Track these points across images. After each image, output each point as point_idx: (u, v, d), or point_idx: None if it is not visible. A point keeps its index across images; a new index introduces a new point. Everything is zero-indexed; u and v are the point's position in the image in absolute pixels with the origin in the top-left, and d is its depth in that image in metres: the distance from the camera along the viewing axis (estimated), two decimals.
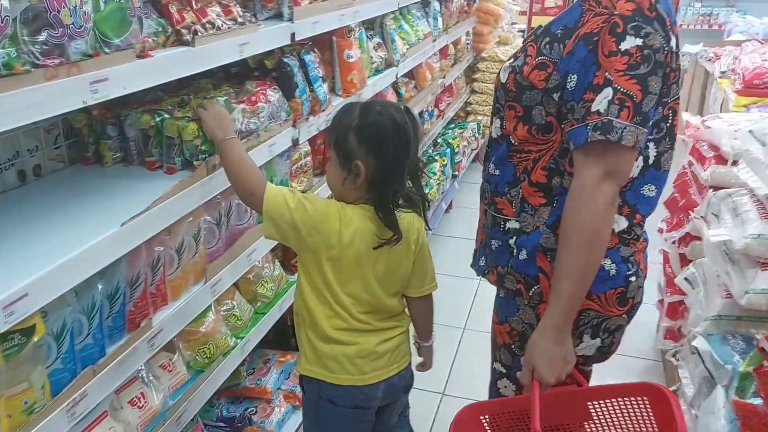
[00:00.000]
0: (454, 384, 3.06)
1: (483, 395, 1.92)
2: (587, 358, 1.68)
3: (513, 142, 1.59)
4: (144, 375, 1.77)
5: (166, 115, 1.84)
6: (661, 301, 3.12)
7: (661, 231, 3.12)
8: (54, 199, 1.67)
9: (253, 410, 2.31)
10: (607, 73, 1.39)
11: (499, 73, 1.67)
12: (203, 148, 1.79)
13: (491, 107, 1.75)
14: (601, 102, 1.39)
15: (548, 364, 1.51)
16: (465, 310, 3.63)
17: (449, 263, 3.92)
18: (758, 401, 1.77)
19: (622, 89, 1.39)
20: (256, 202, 1.67)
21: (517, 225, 1.64)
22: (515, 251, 1.64)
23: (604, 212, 1.44)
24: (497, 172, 1.66)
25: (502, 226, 1.67)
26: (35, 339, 1.29)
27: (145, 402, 1.71)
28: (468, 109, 5.47)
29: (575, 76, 1.44)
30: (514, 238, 1.64)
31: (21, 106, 1.17)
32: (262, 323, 2.22)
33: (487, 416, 1.71)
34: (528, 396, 1.59)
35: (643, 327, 3.43)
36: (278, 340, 2.66)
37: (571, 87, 1.45)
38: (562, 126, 1.50)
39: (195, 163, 1.79)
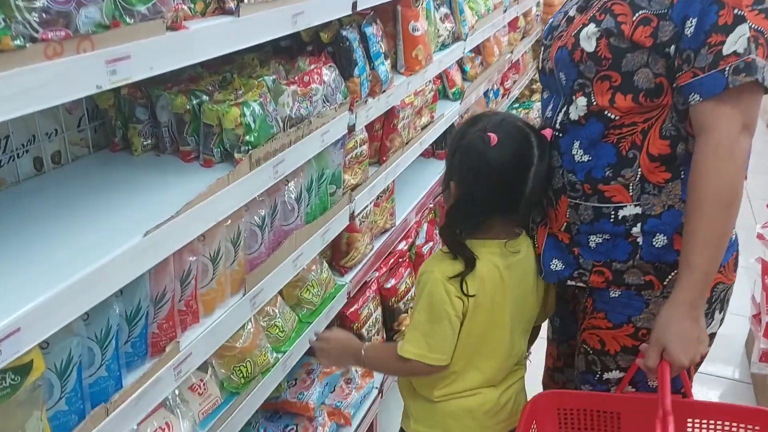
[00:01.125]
0: None
1: None
2: (712, 336, 1.55)
3: (612, 117, 1.41)
4: (170, 400, 1.52)
5: (205, 98, 1.56)
6: (756, 317, 2.75)
7: (762, 238, 2.74)
8: (72, 193, 1.43)
9: (293, 428, 2.07)
10: (736, 10, 1.26)
11: (567, 47, 1.44)
12: (246, 138, 1.52)
13: (550, 87, 1.56)
14: (737, 42, 1.25)
15: (682, 343, 1.35)
16: None
17: None
18: None
19: (754, 26, 1.26)
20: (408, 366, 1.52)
21: (637, 210, 1.45)
22: (643, 239, 1.46)
23: (742, 170, 1.34)
24: (587, 158, 1.46)
25: (612, 216, 1.47)
26: (32, 378, 1.04)
27: None
28: (533, 87, 5.08)
29: (694, 19, 1.29)
30: (638, 224, 1.45)
31: (12, 92, 0.90)
32: (306, 334, 1.96)
33: (564, 410, 1.61)
34: (620, 395, 1.55)
35: (731, 340, 3.07)
36: None
37: (689, 33, 1.30)
38: (675, 84, 1.34)
39: (236, 155, 1.52)
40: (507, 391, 1.61)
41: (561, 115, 1.49)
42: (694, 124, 1.34)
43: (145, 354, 1.35)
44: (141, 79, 1.12)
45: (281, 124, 1.64)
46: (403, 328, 2.57)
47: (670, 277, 1.47)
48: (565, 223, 1.54)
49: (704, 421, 1.52)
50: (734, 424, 1.50)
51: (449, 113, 2.97)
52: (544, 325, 1.83)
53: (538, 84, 5.04)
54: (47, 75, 0.95)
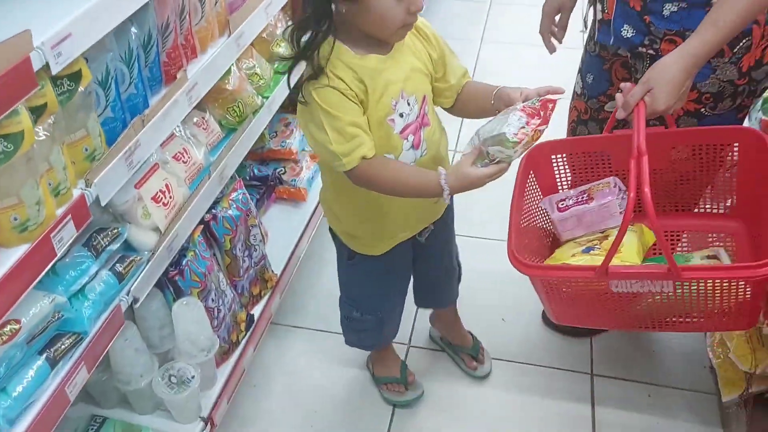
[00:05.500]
0: None
1: None
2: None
3: None
4: (182, 132, 1.76)
5: None
6: None
7: None
8: None
9: (282, 170, 2.35)
10: None
11: None
12: None
13: None
14: None
15: (670, 90, 1.36)
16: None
17: None
18: None
19: None
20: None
21: None
22: None
23: None
24: None
25: None
26: (84, 84, 1.24)
27: (189, 157, 1.72)
28: None
29: None
30: None
31: None
32: (284, 83, 2.15)
33: (558, 156, 1.70)
34: (605, 135, 1.60)
35: None
36: (295, 106, 2.63)
37: None
38: None
39: None
40: None
41: None
42: None
43: (161, 80, 1.55)
44: None
45: None
46: None
47: (740, 43, 1.47)
48: None
49: (686, 146, 1.58)
50: (714, 146, 1.58)
51: None
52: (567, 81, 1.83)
53: None
54: None
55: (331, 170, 1.50)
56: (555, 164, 1.71)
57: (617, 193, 1.58)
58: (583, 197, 1.62)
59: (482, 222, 2.51)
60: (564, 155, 1.71)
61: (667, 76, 1.36)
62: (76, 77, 1.22)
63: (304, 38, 1.32)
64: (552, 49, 1.82)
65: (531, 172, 1.67)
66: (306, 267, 2.39)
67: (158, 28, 1.49)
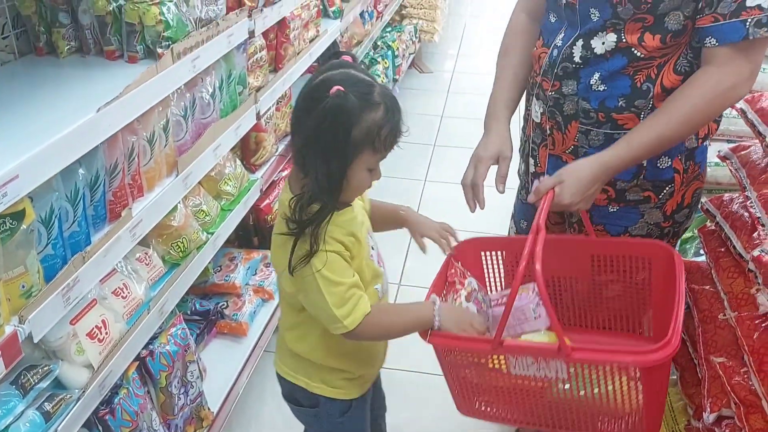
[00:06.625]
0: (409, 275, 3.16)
1: None
2: (684, 230, 1.75)
3: (638, 54, 1.49)
4: (123, 268, 1.77)
5: (122, 1, 1.76)
6: None
7: None
8: (11, 93, 1.59)
9: (224, 305, 2.35)
10: None
11: None
12: (166, 34, 1.74)
13: (566, 17, 1.58)
14: None
15: (578, 189, 1.47)
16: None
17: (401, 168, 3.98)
18: (701, 259, 1.94)
19: None
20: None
21: None
22: (648, 162, 1.59)
23: (725, 109, 1.50)
24: (602, 88, 1.54)
25: None
26: (27, 223, 1.27)
27: (129, 292, 1.72)
28: (403, 12, 5.40)
29: None
30: None
31: None
32: (230, 219, 2.23)
33: (487, 253, 1.75)
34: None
35: None
36: (241, 240, 2.68)
37: None
38: (695, 25, 1.44)
39: (158, 50, 1.74)
40: None
41: (580, 48, 1.54)
42: (704, 59, 1.44)
43: (105, 218, 1.58)
44: None
45: (194, 24, 1.87)
46: None
47: (665, 191, 1.62)
48: (572, 146, 1.63)
49: (605, 256, 1.64)
50: (630, 258, 1.62)
51: (331, 30, 3.24)
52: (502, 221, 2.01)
53: (408, 10, 5.38)
54: None
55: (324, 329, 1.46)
56: (484, 261, 1.76)
57: (533, 298, 1.55)
58: (503, 300, 1.61)
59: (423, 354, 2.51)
60: (493, 253, 1.75)
61: (578, 175, 1.47)
62: (19, 216, 1.25)
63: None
64: (483, 204, 1.73)
65: (459, 262, 1.67)
66: (245, 404, 2.33)
67: (106, 169, 1.54)
